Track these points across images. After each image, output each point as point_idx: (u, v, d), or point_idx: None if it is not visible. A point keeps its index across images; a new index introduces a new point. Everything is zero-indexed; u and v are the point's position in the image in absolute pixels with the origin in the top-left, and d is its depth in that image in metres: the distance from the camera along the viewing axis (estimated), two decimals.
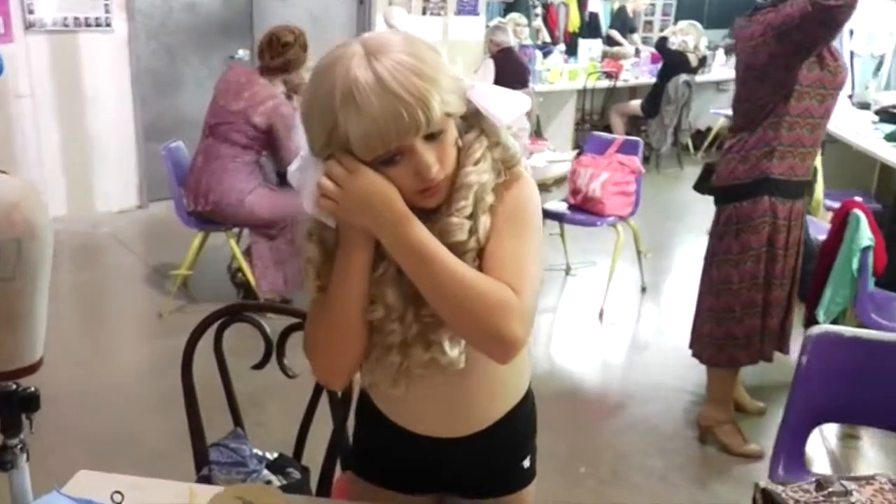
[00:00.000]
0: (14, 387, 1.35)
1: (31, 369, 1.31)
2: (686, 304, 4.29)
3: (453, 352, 1.19)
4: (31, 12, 5.19)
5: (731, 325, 2.97)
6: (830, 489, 1.04)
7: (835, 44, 2.78)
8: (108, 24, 5.55)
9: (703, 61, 7.66)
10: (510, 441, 1.42)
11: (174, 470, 1.66)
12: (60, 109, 5.48)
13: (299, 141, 3.94)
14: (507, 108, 1.17)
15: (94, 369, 3.61)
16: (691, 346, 3.23)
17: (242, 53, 6.28)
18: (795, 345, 3.37)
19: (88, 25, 5.46)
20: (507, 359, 1.16)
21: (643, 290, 4.70)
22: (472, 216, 1.15)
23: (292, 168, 1.20)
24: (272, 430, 2.73)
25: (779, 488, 1.05)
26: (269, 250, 4.03)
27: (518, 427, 1.42)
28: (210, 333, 1.89)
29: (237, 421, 1.98)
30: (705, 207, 5.63)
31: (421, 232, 1.11)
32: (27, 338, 1.29)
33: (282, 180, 4.26)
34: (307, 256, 1.21)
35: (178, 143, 4.21)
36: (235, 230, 4.23)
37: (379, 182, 1.10)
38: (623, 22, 10.20)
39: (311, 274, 1.21)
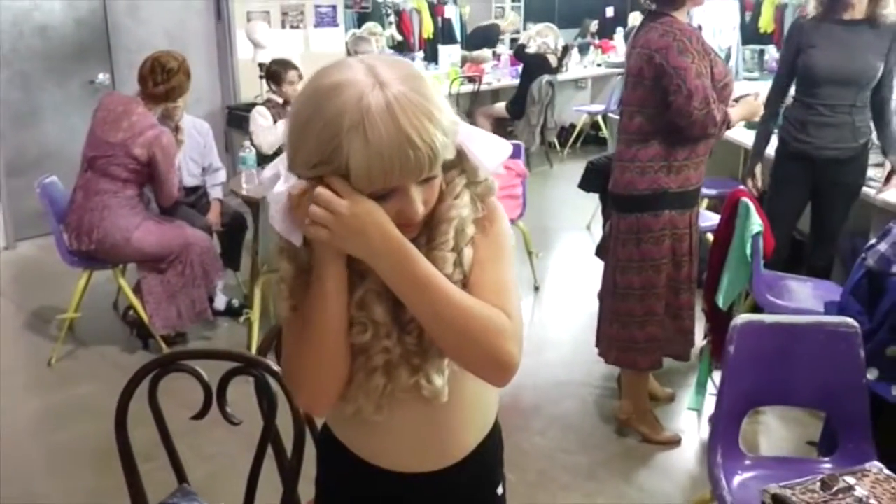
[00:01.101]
0: None
1: None
2: (579, 301, 4.43)
3: (438, 382, 1.18)
4: None
5: (633, 330, 3.06)
6: (836, 487, 1.08)
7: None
8: None
9: (561, 60, 7.89)
10: (485, 471, 1.40)
11: None
12: None
13: (176, 176, 3.83)
14: (492, 154, 1.18)
15: None
16: (597, 344, 3.31)
17: (103, 77, 5.96)
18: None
19: None
20: (506, 381, 1.17)
21: (536, 289, 4.78)
22: (455, 249, 1.16)
23: (265, 175, 1.18)
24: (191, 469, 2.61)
25: (788, 492, 1.09)
26: (160, 284, 3.85)
27: (489, 457, 1.40)
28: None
29: (181, 477, 1.88)
30: (582, 203, 5.85)
31: (420, 260, 1.11)
32: None
33: (163, 211, 4.09)
34: (279, 275, 1.18)
35: (52, 177, 3.96)
36: (120, 267, 4.01)
37: (372, 207, 1.07)
38: (487, 38, 10.30)
39: (284, 292, 1.18)
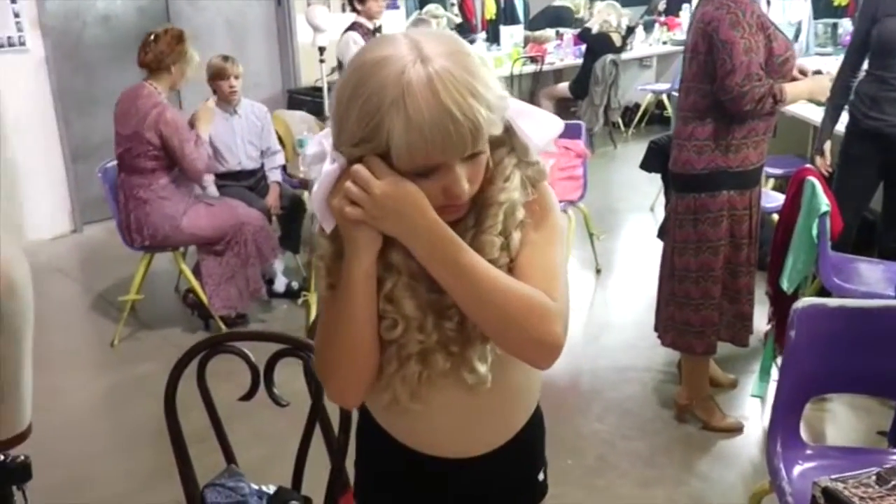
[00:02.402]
0: (2, 458, 1.24)
1: (20, 438, 1.21)
2: (642, 284, 4.33)
3: (482, 369, 1.15)
4: None
5: (688, 313, 2.98)
6: (894, 482, 1.02)
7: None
8: (23, 44, 5.28)
9: (626, 39, 7.72)
10: (525, 456, 1.38)
11: None
12: None
13: (199, 149, 3.84)
14: (542, 131, 1.15)
15: (42, 410, 3.41)
16: (656, 327, 3.24)
17: None
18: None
19: (1, 46, 5.18)
20: (551, 363, 1.14)
21: (598, 271, 4.71)
22: (504, 233, 1.13)
23: (309, 151, 1.15)
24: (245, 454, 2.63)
25: (840, 486, 1.02)
26: (218, 266, 3.90)
27: (532, 440, 1.37)
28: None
29: (230, 458, 1.89)
30: (646, 185, 5.72)
31: (458, 243, 1.07)
32: (14, 406, 1.18)
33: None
34: (318, 252, 1.17)
35: (113, 163, 4.03)
36: (182, 250, 4.07)
37: (410, 188, 1.05)
38: (559, 18, 10.12)
39: (322, 271, 1.16)
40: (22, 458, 1.25)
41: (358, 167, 1.05)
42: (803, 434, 2.15)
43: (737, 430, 3.05)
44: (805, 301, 2.11)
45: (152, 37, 3.84)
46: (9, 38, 5.24)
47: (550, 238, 1.17)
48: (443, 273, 1.08)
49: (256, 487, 1.82)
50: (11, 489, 1.25)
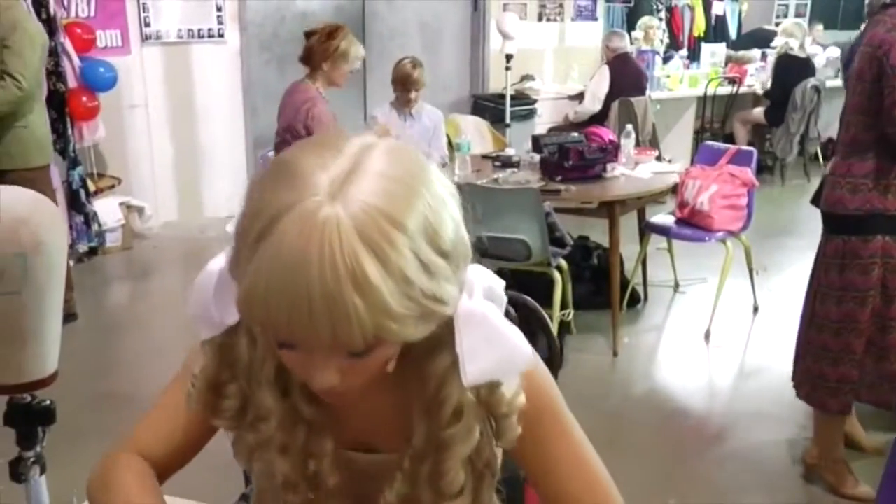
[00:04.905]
0: (29, 399, 1.32)
1: (44, 383, 1.29)
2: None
3: None
4: (147, 24, 5.40)
5: (824, 366, 2.71)
6: None
7: None
8: (221, 35, 5.70)
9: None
10: None
11: (220, 489, 1.61)
12: (173, 119, 5.68)
13: None
14: (492, 358, 0.83)
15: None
16: (793, 377, 2.97)
17: None
18: None
19: (202, 37, 5.63)
20: None
21: (755, 310, 4.40)
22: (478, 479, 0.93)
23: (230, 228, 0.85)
24: None
25: None
26: None
27: None
28: None
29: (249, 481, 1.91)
30: None
31: None
32: (37, 352, 1.26)
33: None
34: (196, 371, 0.95)
35: (273, 152, 4.25)
36: None
37: None
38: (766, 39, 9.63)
39: (196, 394, 0.94)
40: (47, 402, 1.33)
41: None
42: None
43: (868, 501, 2.73)
44: None
45: (308, 33, 3.97)
46: (209, 30, 5.67)
47: (564, 429, 0.96)
48: None
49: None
50: (37, 429, 1.33)
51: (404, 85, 4.37)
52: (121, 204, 5.25)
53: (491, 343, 0.82)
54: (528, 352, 0.85)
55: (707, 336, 4.09)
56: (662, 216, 4.40)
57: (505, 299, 0.89)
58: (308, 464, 0.92)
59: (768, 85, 7.37)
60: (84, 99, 4.82)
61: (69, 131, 4.77)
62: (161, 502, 0.96)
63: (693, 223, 4.15)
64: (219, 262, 0.85)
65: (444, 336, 0.81)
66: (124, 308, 4.79)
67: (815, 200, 4.16)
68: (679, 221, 4.23)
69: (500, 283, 0.88)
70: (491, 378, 0.85)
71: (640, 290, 4.53)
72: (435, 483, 0.89)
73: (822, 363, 2.70)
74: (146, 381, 3.56)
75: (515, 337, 0.84)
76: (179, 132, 5.71)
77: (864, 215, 2.54)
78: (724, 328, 4.15)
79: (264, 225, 0.70)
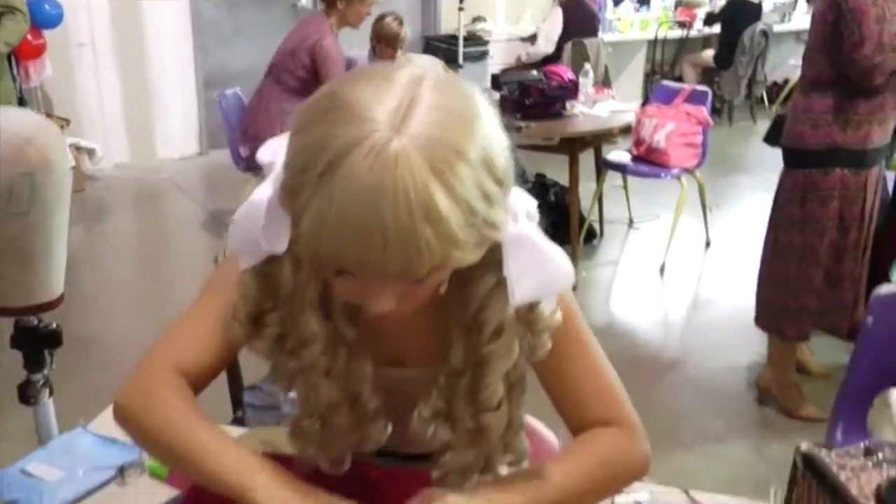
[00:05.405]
0: (36, 322, 1.34)
1: (51, 305, 1.30)
2: (752, 262, 4.13)
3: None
4: None
5: (785, 296, 2.84)
6: (881, 454, 0.95)
7: None
8: None
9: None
10: None
11: (212, 413, 1.64)
12: (121, 58, 5.54)
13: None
14: (537, 280, 0.87)
15: (150, 312, 3.65)
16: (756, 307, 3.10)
17: (305, 2, 6.22)
18: None
19: None
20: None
21: (707, 245, 4.54)
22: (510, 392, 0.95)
23: (263, 156, 0.90)
24: None
25: (822, 452, 0.96)
26: None
27: None
28: None
29: (238, 404, 1.95)
30: (777, 162, 5.43)
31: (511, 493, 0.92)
32: (45, 274, 1.27)
33: None
34: (240, 292, 0.93)
35: (234, 90, 4.21)
36: None
37: None
38: None
39: (240, 314, 0.94)
40: (54, 325, 1.35)
41: None
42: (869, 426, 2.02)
43: (818, 420, 2.89)
44: (888, 288, 1.96)
45: None
46: None
47: (584, 347, 1.01)
48: None
49: (293, 395, 1.88)
50: (44, 352, 1.35)
51: (391, 44, 4.29)
52: (70, 145, 5.12)
53: (537, 265, 0.86)
54: (571, 271, 0.89)
55: (662, 270, 4.22)
56: (619, 153, 4.48)
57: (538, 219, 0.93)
58: (349, 386, 0.95)
59: (717, 30, 7.47)
60: (29, 37, 4.67)
61: (15, 71, 4.63)
62: (209, 427, 0.93)
63: (649, 160, 4.24)
64: (264, 193, 0.85)
65: (487, 259, 0.82)
66: (78, 250, 4.71)
67: (769, 139, 4.31)
68: (635, 159, 4.32)
69: (534, 204, 0.91)
70: (537, 298, 0.89)
71: (596, 226, 4.64)
72: (474, 397, 0.93)
73: (783, 293, 2.83)
74: (102, 321, 3.57)
75: (559, 257, 0.88)
76: (128, 72, 5.58)
77: (824, 150, 2.64)
78: (679, 263, 4.28)
79: (330, 159, 0.71)
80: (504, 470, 0.99)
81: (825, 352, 3.23)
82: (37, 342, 1.33)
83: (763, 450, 2.79)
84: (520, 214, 0.85)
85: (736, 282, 4.10)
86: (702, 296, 4.09)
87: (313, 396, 0.94)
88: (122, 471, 1.24)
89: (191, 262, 4.32)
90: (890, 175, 3.08)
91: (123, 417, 0.96)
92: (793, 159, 2.78)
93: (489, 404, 0.92)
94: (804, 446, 0.97)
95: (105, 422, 1.38)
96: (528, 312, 0.90)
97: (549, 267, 0.87)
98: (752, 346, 3.40)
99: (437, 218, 0.71)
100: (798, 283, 2.80)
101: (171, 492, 1.24)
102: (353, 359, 0.94)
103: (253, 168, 4.13)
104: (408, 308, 0.84)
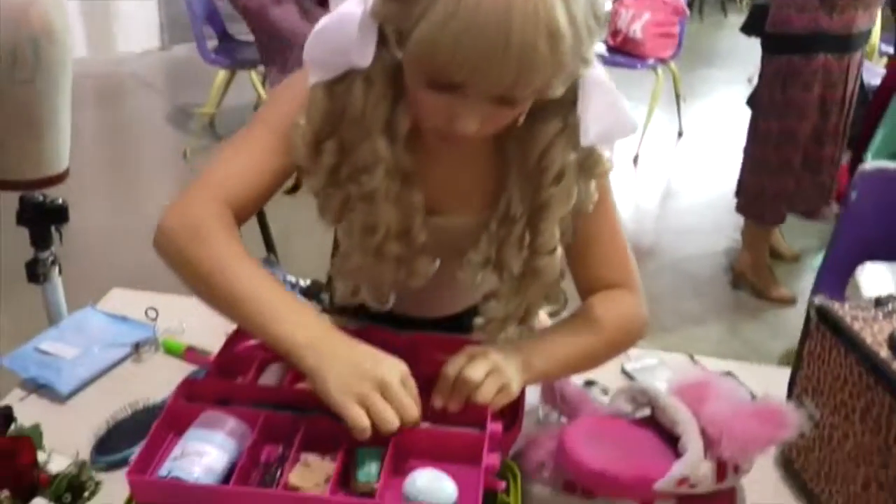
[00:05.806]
0: (42, 198, 1.32)
1: (59, 178, 1.28)
2: (723, 151, 4.19)
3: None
4: None
5: (764, 179, 2.88)
6: (891, 305, 0.99)
7: None
8: None
9: None
10: None
11: None
12: None
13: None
14: (609, 123, 0.89)
15: (120, 206, 3.61)
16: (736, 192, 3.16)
17: None
18: None
19: None
20: None
21: (680, 135, 4.57)
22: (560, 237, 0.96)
23: None
24: (302, 263, 2.71)
25: (835, 304, 1.00)
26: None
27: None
28: None
29: (269, 247, 1.96)
30: (749, 55, 5.42)
31: (535, 356, 0.95)
32: (52, 143, 1.25)
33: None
34: (309, 113, 0.91)
35: None
36: (261, 70, 4.09)
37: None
38: None
39: (308, 136, 0.92)
40: (60, 200, 1.33)
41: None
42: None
43: (788, 301, 3.00)
44: (872, 164, 2.01)
45: None
46: None
47: (606, 213, 1.01)
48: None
49: (293, 279, 1.89)
50: (50, 229, 1.33)
51: None
52: None
53: (610, 109, 0.88)
54: (636, 120, 0.91)
55: (636, 160, 4.25)
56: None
57: None
58: (403, 216, 0.94)
59: None
60: None
61: None
62: (254, 263, 0.91)
63: (625, 51, 4.21)
64: (353, 6, 0.83)
65: (560, 100, 0.85)
66: None
67: (746, 28, 4.29)
68: (611, 49, 4.29)
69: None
70: (605, 140, 0.91)
71: None
72: (530, 242, 0.95)
73: (762, 176, 2.88)
74: (72, 220, 3.49)
75: (626, 105, 0.90)
76: None
77: (808, 34, 2.65)
78: (652, 152, 4.31)
79: None
80: (545, 318, 1.01)
81: (794, 236, 3.32)
82: (43, 218, 1.31)
83: (738, 330, 2.89)
84: (595, 60, 0.86)
85: (707, 171, 4.16)
86: (674, 185, 4.15)
87: (371, 222, 0.94)
88: (137, 347, 1.24)
89: (159, 158, 4.23)
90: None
91: (167, 242, 0.92)
92: (775, 45, 2.78)
93: (546, 248, 0.95)
94: (818, 300, 1.01)
95: (111, 302, 1.38)
96: (588, 157, 0.92)
97: (620, 112, 0.89)
98: (724, 231, 3.48)
99: (557, 36, 0.74)
100: (777, 166, 2.84)
101: (187, 367, 1.24)
102: (407, 188, 0.93)
103: (228, 59, 3.95)
104: (487, 133, 0.85)
